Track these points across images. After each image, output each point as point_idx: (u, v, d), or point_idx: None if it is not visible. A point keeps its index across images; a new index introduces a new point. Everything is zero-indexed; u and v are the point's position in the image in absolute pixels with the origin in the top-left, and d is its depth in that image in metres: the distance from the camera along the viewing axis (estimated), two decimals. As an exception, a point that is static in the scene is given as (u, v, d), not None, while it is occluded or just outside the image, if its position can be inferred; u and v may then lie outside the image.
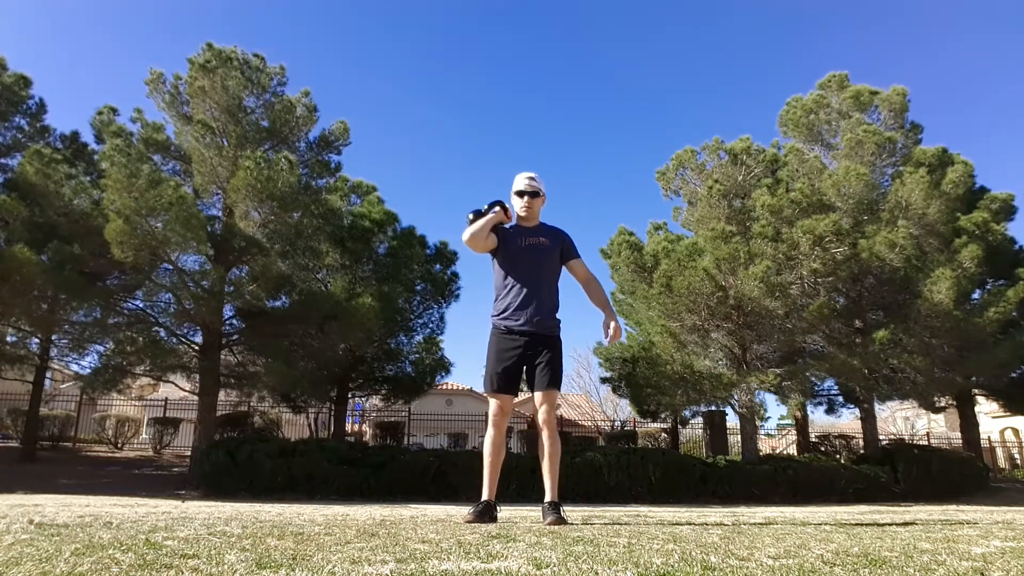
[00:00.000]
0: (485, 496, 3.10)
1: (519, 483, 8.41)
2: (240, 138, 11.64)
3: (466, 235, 3.20)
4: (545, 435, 3.12)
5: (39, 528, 2.26)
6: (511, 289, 3.21)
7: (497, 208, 3.25)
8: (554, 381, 3.12)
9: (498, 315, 3.24)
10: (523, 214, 3.28)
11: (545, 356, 3.14)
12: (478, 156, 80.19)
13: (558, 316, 3.28)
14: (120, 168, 9.99)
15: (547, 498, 3.05)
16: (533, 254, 3.24)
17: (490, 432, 3.17)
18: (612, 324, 3.16)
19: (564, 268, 3.34)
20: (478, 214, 3.23)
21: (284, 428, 16.34)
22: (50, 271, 9.94)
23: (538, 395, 3.13)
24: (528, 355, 3.14)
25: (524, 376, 3.20)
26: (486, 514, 3.01)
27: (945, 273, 10.81)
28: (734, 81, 72.82)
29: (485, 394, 3.32)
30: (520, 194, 3.28)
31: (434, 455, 10.45)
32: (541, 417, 3.12)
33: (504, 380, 3.16)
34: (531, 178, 3.31)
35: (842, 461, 12.92)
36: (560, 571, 1.42)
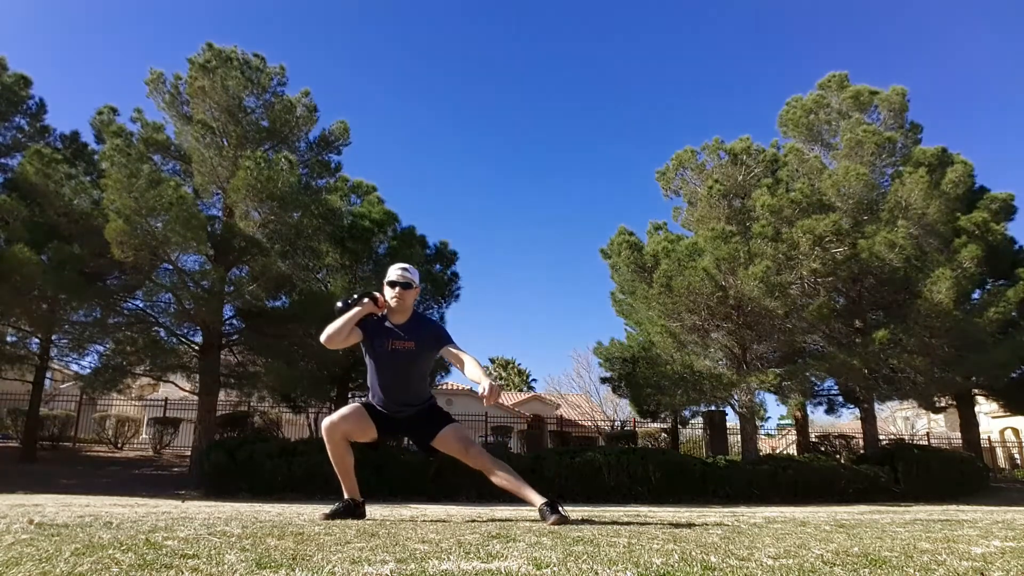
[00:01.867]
0: (346, 495, 3.24)
1: (519, 483, 8.38)
2: (240, 138, 11.65)
3: (324, 335, 3.18)
4: (487, 470, 3.13)
5: (39, 528, 2.26)
6: (378, 384, 3.26)
7: (366, 300, 3.21)
8: (446, 420, 3.25)
9: (371, 398, 3.34)
10: (394, 304, 3.24)
11: (424, 419, 3.26)
12: (478, 156, 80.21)
13: (429, 397, 3.39)
14: (120, 168, 9.99)
15: (538, 503, 3.00)
16: (397, 359, 3.22)
17: (327, 447, 3.21)
18: (487, 384, 2.96)
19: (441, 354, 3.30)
20: (346, 306, 3.20)
21: (284, 428, 16.34)
22: (50, 271, 9.94)
23: (446, 439, 3.18)
24: (407, 428, 3.33)
25: (418, 446, 3.37)
26: (348, 511, 3.16)
27: (945, 273, 10.81)
28: (734, 81, 72.85)
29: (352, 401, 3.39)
30: (392, 284, 3.23)
31: (434, 455, 10.43)
32: (470, 459, 3.16)
33: (373, 410, 3.24)
34: (404, 269, 3.29)
35: (842, 461, 12.92)
36: (560, 571, 1.42)
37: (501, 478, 3.10)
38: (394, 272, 3.27)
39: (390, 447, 13.21)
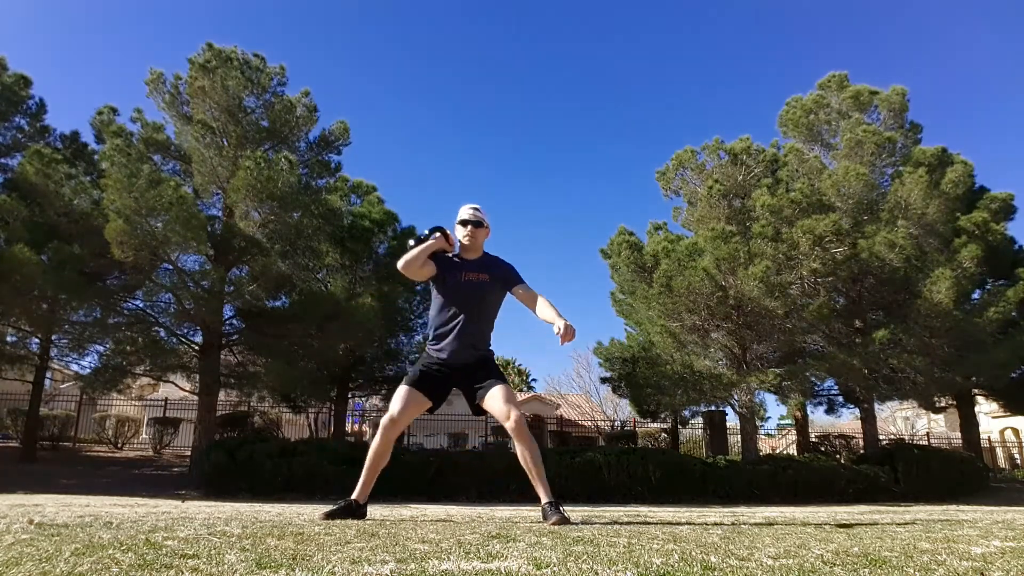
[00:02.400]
0: (354, 495, 3.15)
1: (519, 483, 8.40)
2: (240, 138, 11.65)
3: (400, 262, 3.17)
4: (520, 441, 3.04)
5: (39, 528, 2.26)
6: (446, 321, 3.20)
7: (437, 235, 3.21)
8: (499, 376, 3.15)
9: (431, 344, 3.26)
10: (466, 243, 3.24)
11: (479, 371, 3.17)
12: (478, 156, 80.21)
13: (490, 348, 3.31)
14: (120, 168, 9.99)
15: (544, 500, 3.02)
16: (471, 290, 3.20)
17: (377, 439, 3.15)
18: (561, 324, 2.98)
19: (511, 295, 3.28)
20: (419, 240, 3.21)
21: (284, 428, 16.34)
22: (50, 271, 9.93)
23: (495, 400, 3.06)
24: (460, 381, 3.19)
25: (467, 400, 3.22)
26: (348, 512, 3.06)
27: (945, 273, 10.80)
28: (734, 81, 72.83)
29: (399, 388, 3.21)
30: (464, 223, 3.24)
31: (434, 455, 10.45)
32: (511, 423, 3.00)
33: (422, 381, 3.16)
34: (475, 208, 3.30)
35: (842, 461, 12.91)
36: (560, 571, 1.42)
37: (527, 456, 3.05)
38: (465, 211, 3.28)
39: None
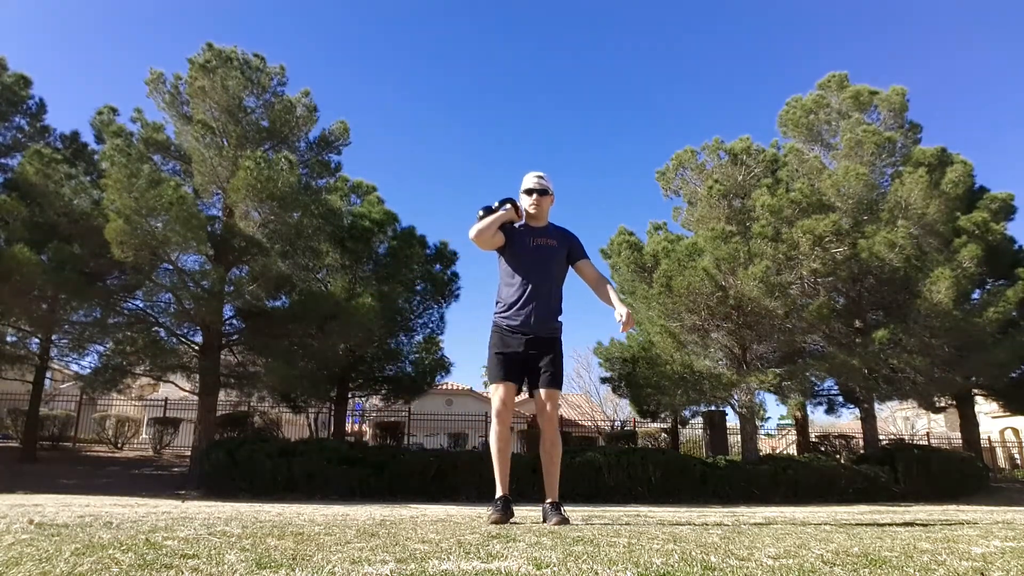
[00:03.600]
0: (500, 492, 3.07)
1: (519, 483, 8.39)
2: (240, 138, 11.64)
3: (472, 231, 3.16)
4: (547, 436, 3.11)
5: (39, 528, 2.26)
6: (516, 288, 3.18)
7: (508, 206, 3.23)
8: (555, 381, 3.11)
9: (500, 313, 3.21)
10: (532, 211, 3.25)
11: (547, 357, 3.12)
12: (478, 156, 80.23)
13: (560, 319, 3.26)
14: (120, 168, 9.98)
15: (548, 499, 3.05)
16: (540, 254, 3.21)
17: (495, 427, 3.13)
18: (624, 312, 3.05)
19: (572, 269, 3.31)
20: (488, 211, 3.20)
21: (284, 428, 16.33)
22: (50, 271, 9.93)
23: (541, 394, 3.10)
24: (529, 355, 3.12)
25: (526, 377, 3.17)
26: (507, 510, 3.01)
27: (944, 273, 10.80)
28: (734, 81, 72.84)
29: (489, 387, 3.24)
30: (529, 192, 3.25)
31: (434, 455, 10.45)
32: (544, 418, 3.08)
33: (506, 369, 3.12)
34: (540, 177, 3.29)
35: (842, 461, 12.92)
36: (560, 571, 1.42)
37: (552, 453, 3.11)
38: (531, 180, 3.27)
39: (390, 446, 13.23)
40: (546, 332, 3.16)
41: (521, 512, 4.38)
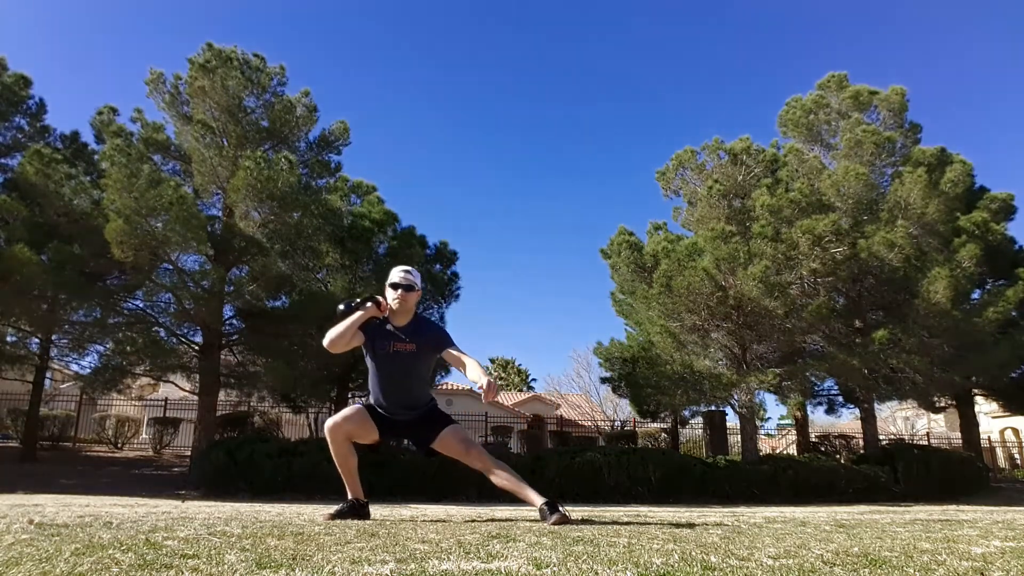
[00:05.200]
0: (350, 495, 3.26)
1: (519, 483, 8.37)
2: (240, 138, 11.64)
3: (327, 338, 3.21)
4: (488, 471, 3.17)
5: (39, 528, 2.26)
6: (379, 387, 3.29)
7: (369, 304, 3.23)
8: (447, 420, 3.28)
9: (372, 401, 3.36)
10: (395, 307, 3.25)
11: (425, 422, 3.29)
12: (478, 156, 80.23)
13: (430, 400, 3.41)
14: (120, 168, 9.98)
15: (538, 503, 3.03)
16: (400, 360, 3.25)
17: (331, 443, 3.21)
18: (485, 380, 2.98)
19: (443, 356, 3.32)
20: (348, 309, 3.22)
21: (284, 428, 16.34)
22: (50, 271, 9.93)
23: (446, 441, 3.21)
24: (408, 432, 3.36)
25: (418, 448, 3.37)
26: (353, 511, 3.17)
27: (944, 273, 10.80)
28: (734, 81, 72.85)
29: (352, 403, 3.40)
30: (395, 287, 3.25)
31: (434, 455, 10.43)
32: (472, 460, 3.19)
33: (375, 411, 3.28)
34: (407, 271, 3.31)
35: (842, 461, 12.92)
36: (560, 571, 1.42)
37: (501, 478, 3.13)
38: (396, 274, 3.28)
39: (391, 447, 13.22)
40: (414, 416, 3.31)
41: (521, 512, 4.38)
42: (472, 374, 3.10)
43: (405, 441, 16.78)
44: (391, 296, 3.26)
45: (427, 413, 3.33)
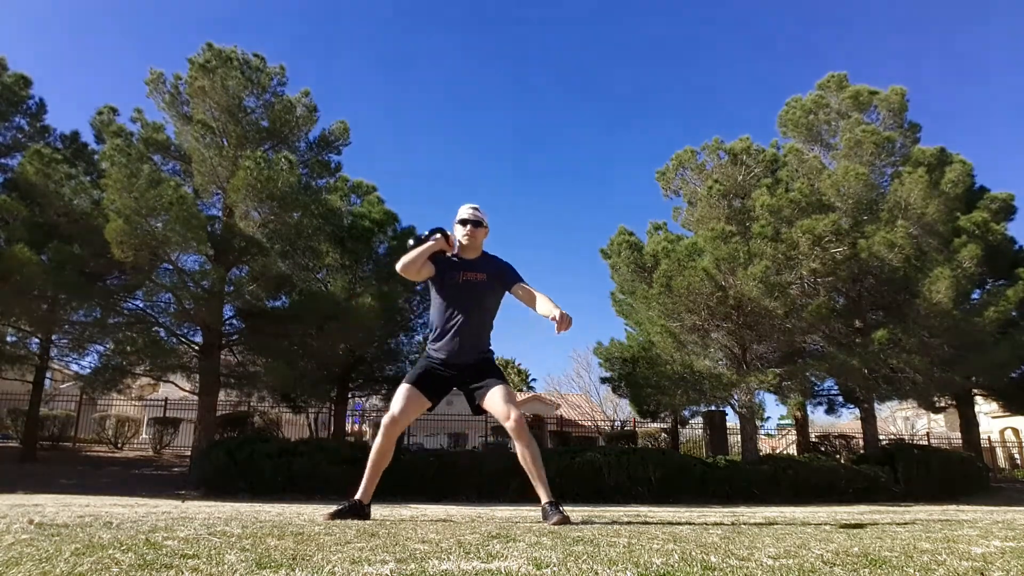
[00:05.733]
0: (358, 495, 3.15)
1: (519, 483, 8.39)
2: (240, 138, 11.64)
3: (399, 264, 3.20)
4: (520, 441, 3.06)
5: (39, 528, 2.26)
6: (445, 321, 3.22)
7: (438, 236, 3.22)
8: (499, 376, 3.17)
9: (431, 343, 3.29)
10: (465, 242, 3.26)
11: (482, 372, 3.18)
12: (478, 156, 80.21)
13: (491, 348, 3.33)
14: (120, 168, 9.98)
15: (543, 499, 3.03)
16: (470, 290, 3.23)
17: (379, 439, 3.16)
18: (558, 312, 2.99)
19: (511, 295, 3.30)
20: (418, 240, 3.22)
21: (284, 428, 16.34)
22: (50, 271, 9.93)
23: (495, 400, 3.08)
24: (461, 381, 3.20)
25: (467, 401, 3.24)
26: (354, 511, 3.07)
27: (944, 273, 10.80)
28: (734, 81, 72.83)
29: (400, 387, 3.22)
30: (463, 223, 3.27)
31: (434, 455, 10.45)
32: (511, 423, 3.02)
33: (423, 380, 3.17)
34: (475, 208, 3.32)
35: (842, 461, 12.91)
36: (560, 571, 1.42)
37: (527, 456, 3.08)
38: (465, 211, 3.30)
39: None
40: (473, 360, 3.21)
41: (522, 512, 4.38)
42: (543, 308, 3.10)
43: (406, 440, 16.65)
44: (460, 232, 3.26)
45: (485, 360, 3.25)
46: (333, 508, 3.17)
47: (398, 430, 3.18)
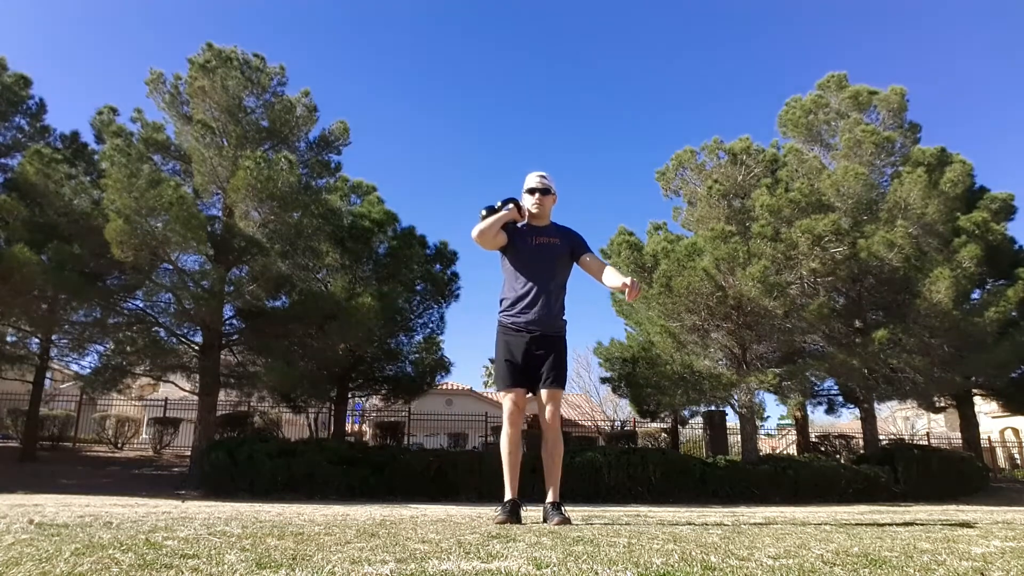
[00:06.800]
0: (509, 495, 3.09)
1: (519, 483, 8.37)
2: (240, 138, 11.63)
3: (475, 231, 3.18)
4: (549, 436, 3.10)
5: (39, 528, 2.26)
6: (520, 286, 3.20)
7: (511, 206, 3.24)
8: (559, 380, 3.13)
9: (505, 311, 3.23)
10: (535, 211, 3.26)
11: (551, 357, 3.13)
12: (478, 155, 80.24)
13: (565, 317, 3.28)
14: (120, 168, 9.98)
15: (549, 499, 3.05)
16: (543, 253, 3.23)
17: (506, 430, 3.14)
18: (628, 279, 3.06)
19: (578, 265, 3.32)
20: (491, 210, 3.22)
21: (284, 428, 16.34)
22: (50, 271, 9.93)
23: (543, 394, 3.10)
24: (535, 353, 3.13)
25: (526, 375, 3.17)
26: (515, 513, 3.00)
27: (944, 273, 10.81)
28: (734, 81, 72.85)
29: (498, 392, 3.26)
30: (531, 191, 3.27)
31: (434, 455, 10.45)
32: (546, 417, 3.08)
33: (515, 374, 3.14)
34: (543, 176, 3.31)
35: (842, 461, 12.92)
36: (560, 571, 1.42)
37: (553, 453, 3.11)
38: (533, 179, 3.30)
39: (390, 446, 13.22)
40: (551, 330, 3.17)
41: (521, 512, 4.37)
42: (611, 278, 3.16)
43: (406, 440, 16.60)
44: (529, 201, 3.27)
45: (560, 339, 3.20)
46: (499, 514, 3.03)
47: (519, 420, 3.17)
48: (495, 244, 3.23)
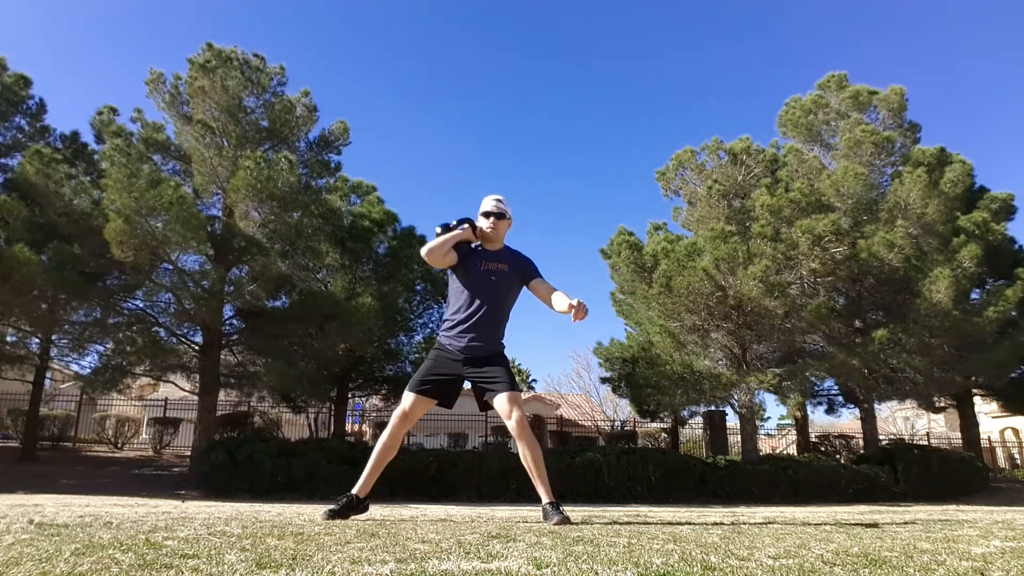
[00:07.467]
0: (355, 490, 3.16)
1: (519, 483, 8.40)
2: (240, 138, 11.64)
3: (425, 249, 3.23)
4: (522, 441, 3.06)
5: (39, 528, 2.26)
6: (462, 311, 3.23)
7: (465, 225, 3.28)
8: (512, 383, 3.16)
9: (445, 331, 3.29)
10: (488, 234, 3.30)
11: (493, 368, 3.18)
12: (478, 155, 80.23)
13: (503, 341, 3.33)
14: (120, 168, 9.98)
15: (545, 499, 3.04)
16: (491, 279, 3.25)
17: (391, 428, 3.18)
18: (575, 301, 3.05)
19: (528, 289, 3.34)
20: (445, 228, 3.26)
21: (284, 428, 16.33)
22: (50, 271, 9.93)
23: (501, 399, 3.09)
24: (470, 372, 3.18)
25: (474, 393, 3.22)
26: (346, 509, 3.07)
27: (944, 273, 10.80)
28: (734, 81, 72.83)
29: (406, 392, 3.26)
30: (487, 215, 3.31)
31: (434, 455, 10.45)
32: (512, 424, 3.04)
33: (430, 384, 3.18)
34: (498, 200, 3.36)
35: (842, 461, 12.91)
36: (560, 571, 1.42)
37: (528, 456, 3.09)
38: (489, 203, 3.34)
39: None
40: (487, 350, 3.21)
41: (522, 512, 4.38)
42: (559, 303, 3.15)
43: (406, 440, 16.72)
44: (484, 224, 3.31)
45: (499, 354, 3.25)
46: (330, 507, 3.13)
47: (406, 428, 3.22)
48: (445, 262, 3.26)
